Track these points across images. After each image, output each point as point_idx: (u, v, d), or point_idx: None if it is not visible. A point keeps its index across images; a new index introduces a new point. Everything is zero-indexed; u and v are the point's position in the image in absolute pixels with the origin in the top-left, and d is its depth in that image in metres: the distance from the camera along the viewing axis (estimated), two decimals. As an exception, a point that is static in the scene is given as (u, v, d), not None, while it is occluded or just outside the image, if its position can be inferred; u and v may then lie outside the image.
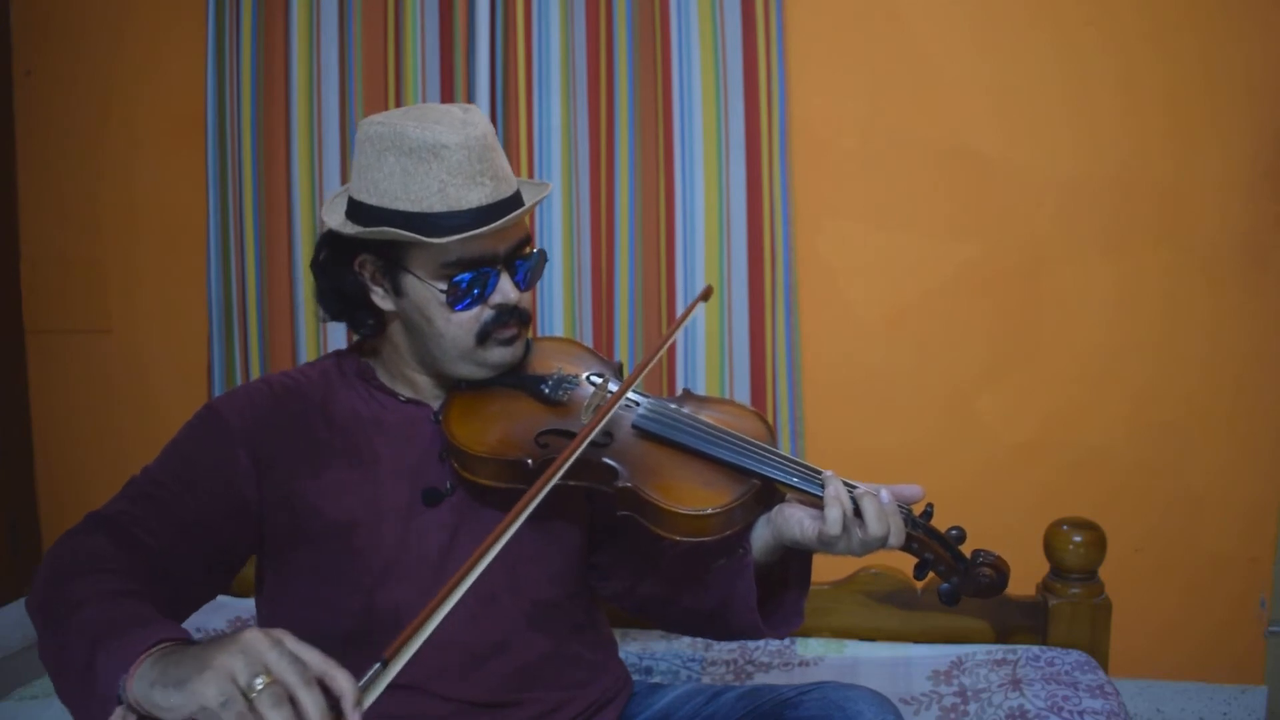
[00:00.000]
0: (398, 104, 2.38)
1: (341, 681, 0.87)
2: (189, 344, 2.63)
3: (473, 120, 1.23)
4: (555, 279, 2.36)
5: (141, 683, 0.91)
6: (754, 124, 2.27)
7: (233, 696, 0.85)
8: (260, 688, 0.85)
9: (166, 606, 1.15)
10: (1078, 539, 1.74)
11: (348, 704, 0.86)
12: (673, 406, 1.31)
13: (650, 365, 1.29)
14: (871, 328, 2.40)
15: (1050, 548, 1.76)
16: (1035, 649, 1.74)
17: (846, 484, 1.21)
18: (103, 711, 0.93)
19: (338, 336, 2.44)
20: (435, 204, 1.20)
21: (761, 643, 1.86)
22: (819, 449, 2.34)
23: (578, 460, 1.17)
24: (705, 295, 1.41)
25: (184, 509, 1.21)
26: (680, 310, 2.32)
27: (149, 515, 1.19)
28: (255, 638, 0.89)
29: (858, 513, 1.19)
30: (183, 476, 1.23)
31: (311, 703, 0.85)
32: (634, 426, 1.27)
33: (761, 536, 1.27)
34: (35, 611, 1.11)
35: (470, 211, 1.21)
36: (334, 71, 2.40)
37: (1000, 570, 1.23)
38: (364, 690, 0.87)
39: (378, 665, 0.88)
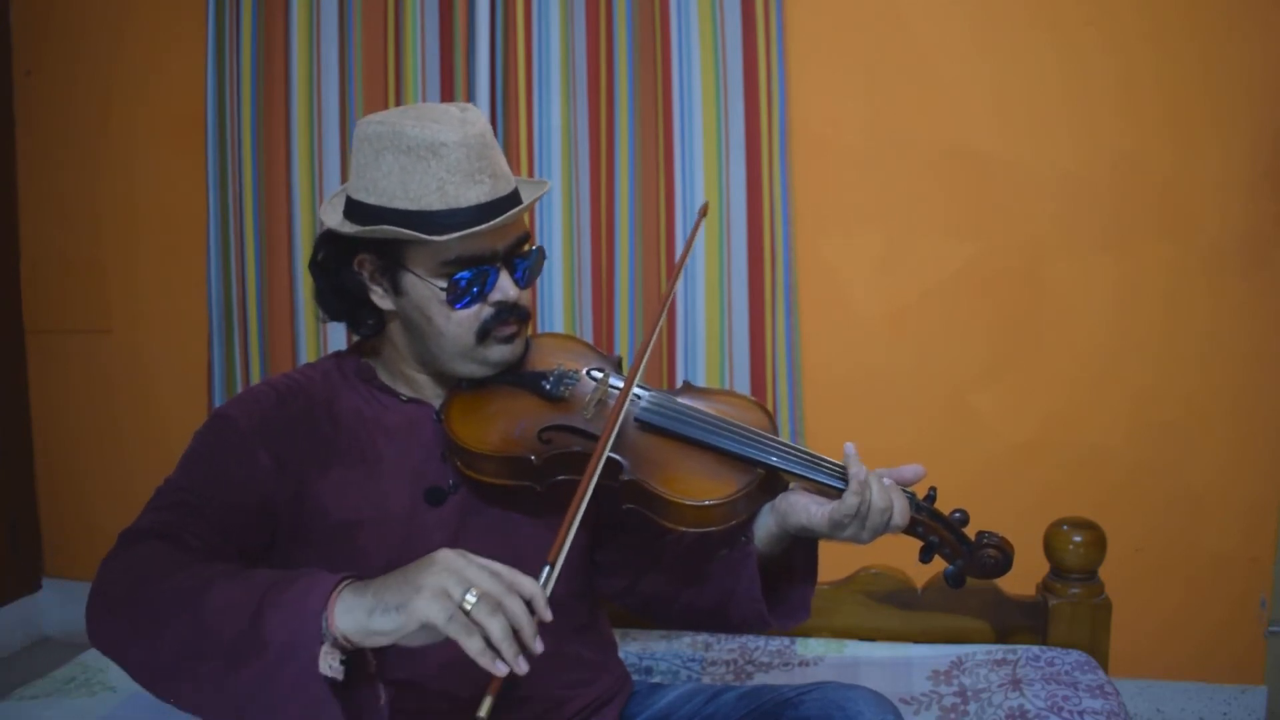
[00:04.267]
0: (398, 104, 2.38)
1: (528, 586, 0.98)
2: (189, 344, 2.63)
3: (470, 119, 1.23)
4: (555, 279, 2.36)
5: (352, 615, 0.97)
6: (754, 124, 2.27)
7: (454, 612, 0.95)
8: (474, 601, 0.95)
9: None
10: (1078, 539, 1.74)
11: (539, 604, 0.98)
12: (675, 399, 1.31)
13: (656, 332, 1.30)
14: (871, 327, 2.40)
15: (1050, 548, 1.76)
16: (1035, 649, 1.74)
17: (839, 466, 1.23)
18: (281, 662, 0.97)
19: (338, 337, 2.44)
20: (434, 202, 1.20)
21: (762, 642, 1.86)
22: (819, 448, 2.31)
23: (581, 455, 1.17)
24: (703, 212, 1.45)
25: (215, 514, 1.20)
26: (680, 313, 2.32)
27: (187, 520, 1.18)
28: (452, 558, 0.99)
29: None
30: (207, 484, 1.22)
31: (518, 609, 0.96)
32: (637, 420, 1.27)
33: (765, 525, 1.28)
34: (124, 619, 1.08)
35: (469, 209, 1.21)
36: (334, 71, 2.40)
37: (1005, 551, 1.24)
38: (544, 586, 0.99)
39: (546, 568, 1.01)
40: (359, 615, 0.97)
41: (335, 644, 0.98)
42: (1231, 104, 2.23)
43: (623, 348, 2.38)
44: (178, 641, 1.03)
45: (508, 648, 0.95)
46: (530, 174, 2.33)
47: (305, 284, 2.46)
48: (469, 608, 0.95)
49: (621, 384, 1.31)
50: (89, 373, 2.79)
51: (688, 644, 1.86)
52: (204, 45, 2.47)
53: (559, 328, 2.36)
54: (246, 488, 1.23)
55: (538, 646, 0.97)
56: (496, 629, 0.95)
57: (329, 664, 0.97)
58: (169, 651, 1.03)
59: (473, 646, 0.94)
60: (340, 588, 1.00)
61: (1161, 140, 2.26)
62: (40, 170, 2.75)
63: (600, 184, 2.34)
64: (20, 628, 2.87)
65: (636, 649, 1.83)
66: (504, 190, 1.24)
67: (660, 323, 1.34)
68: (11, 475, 2.85)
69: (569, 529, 1.04)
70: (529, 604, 0.97)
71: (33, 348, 2.84)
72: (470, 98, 2.34)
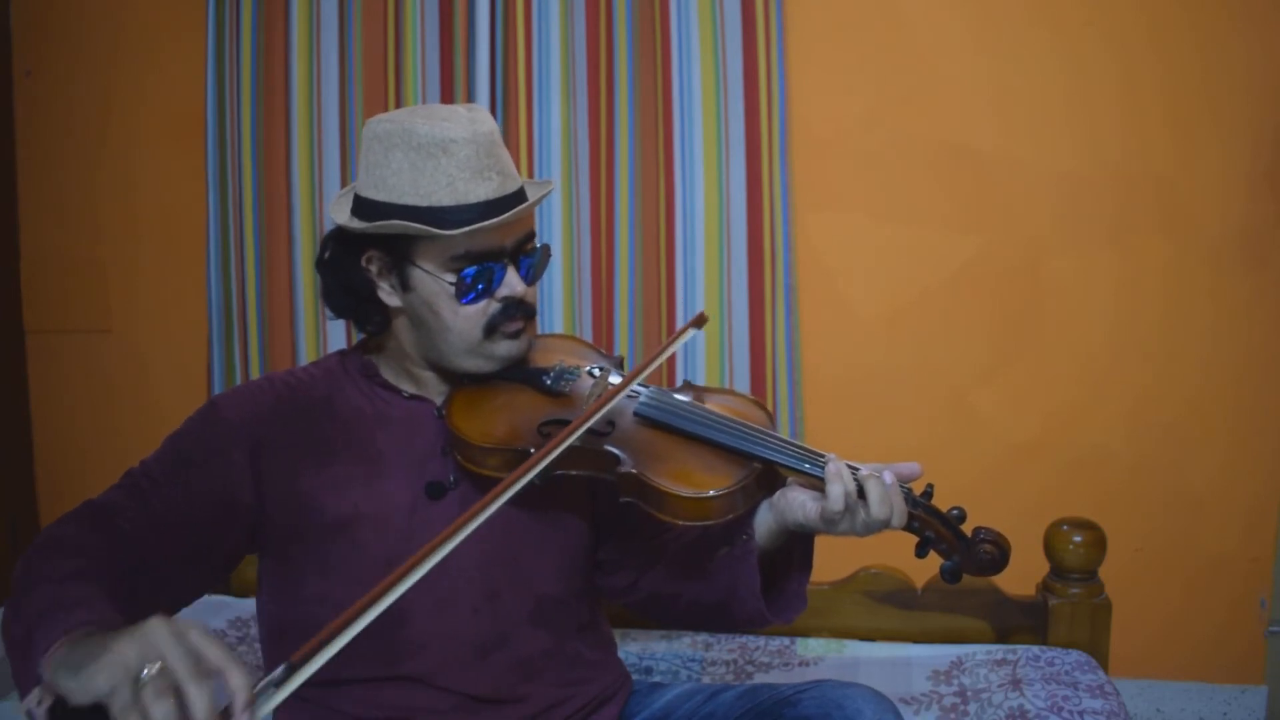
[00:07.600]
0: (398, 104, 2.39)
1: (235, 679, 0.85)
2: (189, 344, 2.63)
3: (479, 118, 1.25)
4: (555, 279, 2.36)
5: (53, 665, 0.92)
6: (754, 124, 2.27)
7: (119, 685, 0.84)
8: (148, 678, 0.84)
9: (146, 598, 1.17)
10: (1078, 539, 1.74)
11: (237, 703, 0.84)
12: (674, 395, 1.32)
13: (643, 375, 1.28)
14: (872, 326, 2.40)
15: (1050, 548, 1.76)
16: (1035, 649, 1.74)
17: (849, 465, 1.22)
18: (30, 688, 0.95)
19: (337, 337, 2.44)
20: (444, 198, 1.22)
21: (762, 642, 1.86)
22: (819, 448, 2.33)
23: (580, 449, 1.18)
24: (699, 322, 1.40)
25: (171, 503, 1.23)
26: (680, 312, 2.32)
27: (135, 507, 1.22)
28: (156, 627, 0.88)
29: (861, 494, 1.19)
30: (176, 471, 1.26)
31: (198, 697, 0.84)
32: (635, 414, 1.28)
33: (764, 521, 1.28)
34: (9, 587, 1.14)
35: (478, 205, 1.22)
36: (334, 71, 2.40)
37: (1001, 547, 1.24)
38: (259, 692, 0.85)
39: (283, 667, 0.87)
40: (53, 668, 0.92)
41: (46, 688, 0.92)
42: (1231, 104, 2.23)
43: (623, 348, 2.38)
44: (7, 624, 1.07)
45: None
46: (530, 174, 2.33)
47: (305, 284, 2.46)
48: (141, 686, 0.84)
49: (621, 381, 1.32)
50: (89, 373, 2.79)
51: (688, 644, 1.86)
52: (204, 46, 2.47)
53: (559, 327, 2.37)
54: (212, 482, 1.25)
55: None
56: (157, 715, 0.82)
57: (33, 704, 0.93)
58: (4, 632, 1.07)
59: None
60: (73, 633, 0.95)
61: (1162, 139, 2.26)
62: (40, 170, 2.74)
63: (600, 184, 2.34)
64: (20, 628, 2.87)
65: (636, 649, 1.83)
66: (511, 188, 1.26)
67: (652, 368, 1.33)
68: (11, 475, 2.85)
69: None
70: (229, 702, 0.84)
71: (33, 348, 2.84)
72: (470, 98, 2.34)
